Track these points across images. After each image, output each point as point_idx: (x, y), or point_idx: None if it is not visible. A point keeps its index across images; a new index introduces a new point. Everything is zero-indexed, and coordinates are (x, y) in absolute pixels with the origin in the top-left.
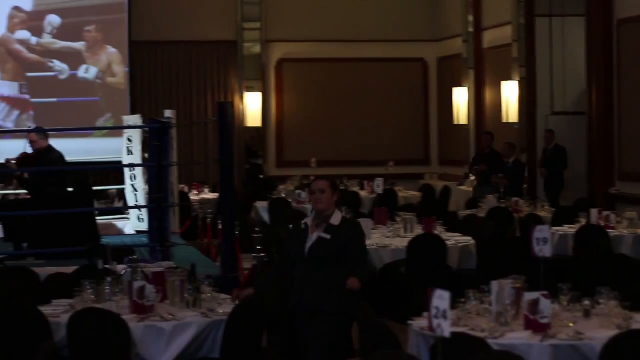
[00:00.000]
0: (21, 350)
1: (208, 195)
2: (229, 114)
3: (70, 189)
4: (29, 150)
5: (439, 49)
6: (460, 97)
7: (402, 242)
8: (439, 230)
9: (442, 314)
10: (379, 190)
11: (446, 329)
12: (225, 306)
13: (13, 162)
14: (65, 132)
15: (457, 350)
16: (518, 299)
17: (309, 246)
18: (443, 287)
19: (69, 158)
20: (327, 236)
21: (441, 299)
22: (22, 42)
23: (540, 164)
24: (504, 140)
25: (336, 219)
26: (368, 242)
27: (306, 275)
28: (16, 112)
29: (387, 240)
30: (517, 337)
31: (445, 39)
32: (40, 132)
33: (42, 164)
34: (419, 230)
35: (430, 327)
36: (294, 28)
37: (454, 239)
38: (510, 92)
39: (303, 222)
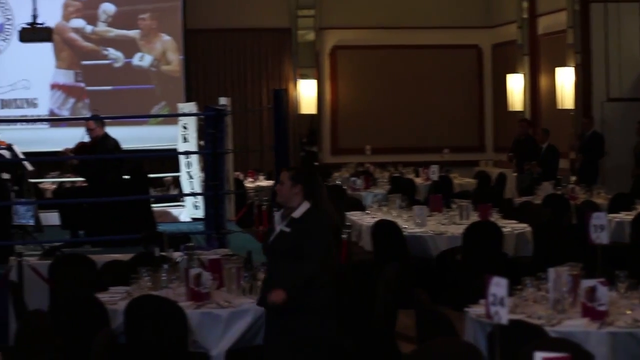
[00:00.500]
0: (79, 337)
1: (263, 182)
2: (284, 102)
3: (126, 177)
4: (86, 139)
5: (494, 36)
6: (515, 84)
7: (457, 229)
8: (494, 217)
9: (499, 301)
10: (434, 177)
11: (504, 316)
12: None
13: (70, 153)
14: (121, 119)
15: (513, 337)
16: (575, 287)
17: (271, 240)
18: (499, 274)
19: (124, 146)
20: (288, 229)
21: (499, 286)
22: (77, 31)
23: (577, 151)
24: (562, 127)
25: (299, 211)
26: (423, 229)
27: (269, 270)
28: (72, 100)
29: (442, 227)
30: (575, 324)
31: (499, 25)
32: (97, 120)
33: (98, 152)
34: (474, 217)
35: (487, 314)
36: (348, 15)
37: (510, 226)
38: (565, 79)
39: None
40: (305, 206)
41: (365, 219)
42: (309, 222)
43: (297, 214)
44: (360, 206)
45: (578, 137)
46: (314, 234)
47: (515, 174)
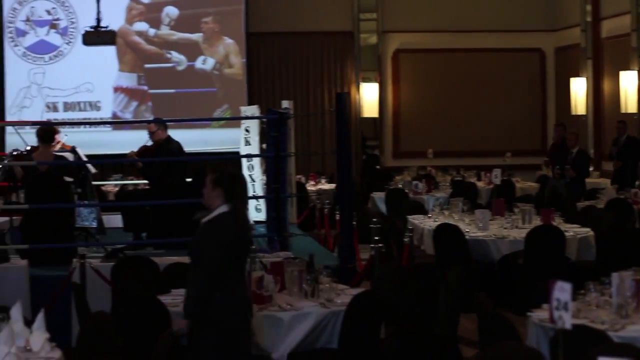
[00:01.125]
0: (141, 339)
1: (325, 185)
2: (346, 105)
3: (188, 180)
4: (150, 142)
5: (557, 39)
6: (578, 88)
7: (520, 233)
8: (557, 221)
9: (563, 305)
10: (497, 181)
11: (567, 321)
12: (343, 296)
13: (134, 155)
14: (183, 122)
15: (577, 342)
16: (639, 291)
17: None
18: (561, 279)
19: (186, 149)
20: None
21: (562, 290)
22: (140, 34)
23: (611, 156)
24: (628, 132)
25: (210, 215)
26: (485, 233)
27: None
28: (134, 103)
29: (504, 231)
30: (639, 329)
31: (562, 29)
32: (159, 123)
33: (161, 155)
34: (537, 221)
35: (550, 318)
36: (410, 18)
37: (573, 230)
38: (629, 82)
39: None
40: (220, 210)
41: (427, 223)
42: (208, 230)
43: (207, 218)
44: (422, 210)
45: (613, 142)
46: (203, 245)
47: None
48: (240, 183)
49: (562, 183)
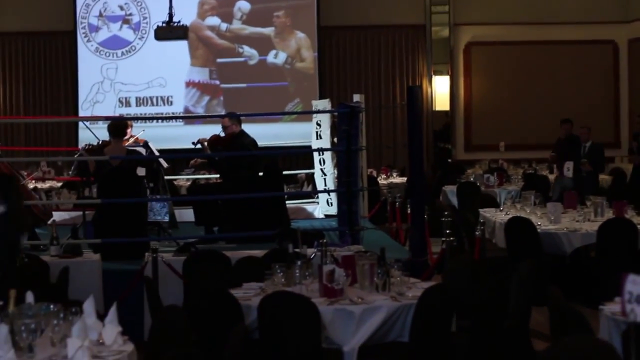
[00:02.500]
0: (213, 333)
1: (396, 179)
2: (418, 98)
3: (260, 174)
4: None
5: (630, 30)
6: None
7: (592, 226)
8: (630, 214)
9: (635, 298)
10: (569, 174)
11: (639, 314)
12: (414, 290)
13: (205, 142)
14: (255, 117)
15: None
16: None
17: None
18: (634, 272)
19: (258, 142)
20: None
21: (635, 283)
22: (212, 29)
23: (631, 150)
24: None
25: None
26: (557, 226)
27: None
28: (206, 98)
29: (577, 224)
30: None
31: (636, 20)
32: (233, 118)
33: (234, 148)
34: (609, 214)
35: (622, 312)
36: (482, 11)
37: None
38: None
39: None
40: None
41: (498, 216)
42: None
43: None
44: (493, 203)
45: (634, 138)
46: None
47: (554, 175)
48: (13, 186)
49: (571, 179)
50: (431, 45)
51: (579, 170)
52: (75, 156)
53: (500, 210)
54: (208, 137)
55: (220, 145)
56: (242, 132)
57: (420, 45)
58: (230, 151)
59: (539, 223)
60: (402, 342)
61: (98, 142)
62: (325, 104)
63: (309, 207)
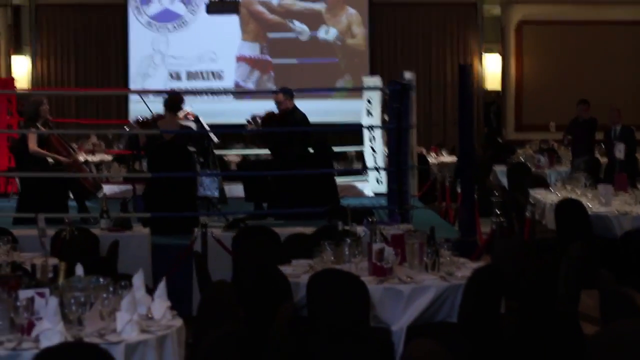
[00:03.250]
0: (261, 309)
1: (446, 158)
2: (469, 77)
3: (310, 150)
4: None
5: None
6: None
7: None
8: None
9: None
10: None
11: None
12: (464, 270)
13: (259, 119)
14: (305, 93)
15: None
16: None
17: None
18: None
19: (308, 119)
20: None
21: None
22: (263, 3)
23: None
24: None
25: None
26: (608, 208)
27: None
28: (257, 73)
29: (627, 206)
30: None
31: None
32: (286, 93)
33: (286, 125)
34: None
35: None
36: None
37: None
38: None
39: None
40: None
41: (549, 197)
42: None
43: None
44: (544, 184)
45: None
46: None
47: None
48: None
49: (584, 161)
50: (482, 24)
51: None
52: (127, 129)
53: (551, 192)
54: (261, 114)
55: (273, 122)
56: (295, 109)
57: (472, 23)
58: (283, 127)
59: (590, 205)
60: (450, 322)
61: (152, 116)
62: (376, 81)
63: (358, 185)
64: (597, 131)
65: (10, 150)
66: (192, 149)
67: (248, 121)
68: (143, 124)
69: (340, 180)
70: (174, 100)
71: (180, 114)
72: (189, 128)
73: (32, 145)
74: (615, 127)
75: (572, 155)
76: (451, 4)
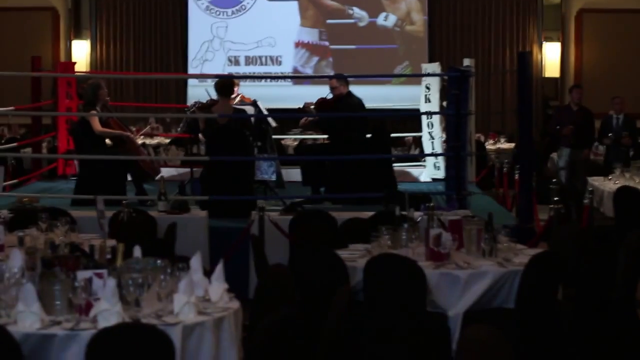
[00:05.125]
0: (318, 293)
1: (504, 145)
2: (528, 64)
3: (368, 135)
4: (329, 96)
5: None
6: None
7: None
8: None
9: None
10: None
11: None
12: (521, 256)
13: (312, 106)
14: (364, 78)
15: None
16: None
17: None
18: None
19: (366, 105)
20: None
21: None
22: None
23: None
24: None
25: None
26: None
27: None
28: (315, 59)
29: None
30: None
31: None
32: (340, 79)
33: (340, 110)
34: None
35: None
36: None
37: None
38: None
39: None
40: None
41: (607, 185)
42: None
43: None
44: (602, 171)
45: None
46: None
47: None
48: None
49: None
50: (542, 11)
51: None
52: (187, 113)
53: (609, 179)
54: (314, 101)
55: (327, 107)
56: (349, 94)
57: (531, 11)
58: (338, 112)
59: None
60: (507, 308)
61: (208, 100)
62: (435, 67)
63: (415, 171)
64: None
65: (70, 133)
66: (247, 132)
67: (300, 108)
68: (201, 108)
69: (396, 165)
70: (224, 84)
71: (237, 99)
72: (243, 112)
73: (97, 126)
74: (617, 117)
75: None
76: None
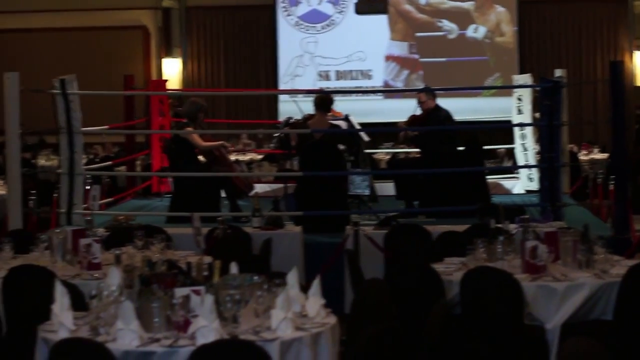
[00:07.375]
0: (415, 307)
1: (597, 155)
2: (620, 74)
3: (460, 148)
4: (418, 111)
5: None
6: None
7: None
8: None
9: None
10: None
11: None
12: (618, 268)
13: (404, 126)
14: (454, 91)
15: None
16: None
17: None
18: None
19: (457, 117)
20: None
21: None
22: (412, 3)
23: None
24: None
25: None
26: None
27: None
28: (405, 72)
29: None
30: None
31: None
32: (428, 92)
33: (430, 124)
34: None
35: None
36: None
37: None
38: None
39: None
40: None
41: None
42: None
43: None
44: None
45: None
46: None
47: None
48: None
49: None
50: (633, 20)
51: None
52: (280, 128)
53: None
54: (405, 119)
55: (418, 123)
56: (437, 107)
57: (622, 19)
58: (432, 127)
59: None
60: (605, 320)
61: (302, 116)
62: (526, 78)
63: (507, 183)
64: None
65: (163, 150)
66: (342, 147)
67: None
68: (295, 125)
69: (488, 178)
70: (323, 99)
71: (329, 114)
72: (339, 127)
73: (199, 142)
74: None
75: None
76: (601, 1)
